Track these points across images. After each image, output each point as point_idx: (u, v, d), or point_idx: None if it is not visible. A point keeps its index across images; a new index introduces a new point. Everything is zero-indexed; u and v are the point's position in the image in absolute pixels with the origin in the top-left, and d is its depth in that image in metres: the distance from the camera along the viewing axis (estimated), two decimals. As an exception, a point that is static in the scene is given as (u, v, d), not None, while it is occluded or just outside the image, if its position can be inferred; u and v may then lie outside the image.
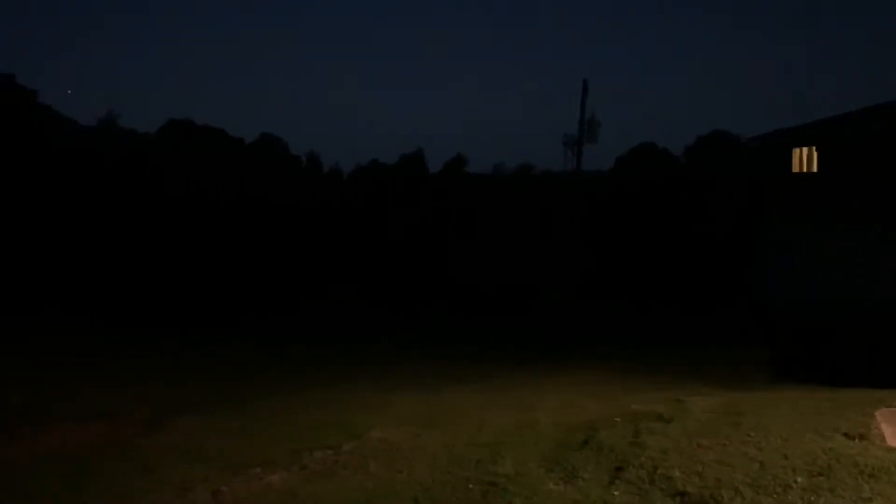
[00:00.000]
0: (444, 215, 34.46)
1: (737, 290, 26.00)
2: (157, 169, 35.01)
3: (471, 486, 7.00)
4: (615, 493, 6.40)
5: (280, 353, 18.45)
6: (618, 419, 9.59)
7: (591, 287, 31.27)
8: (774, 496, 5.95)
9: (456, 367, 15.93)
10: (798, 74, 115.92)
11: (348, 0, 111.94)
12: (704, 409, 9.83)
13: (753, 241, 22.91)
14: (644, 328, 24.19)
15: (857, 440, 7.45)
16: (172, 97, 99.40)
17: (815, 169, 18.27)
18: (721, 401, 10.72)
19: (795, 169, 18.77)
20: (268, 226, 34.35)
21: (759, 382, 14.07)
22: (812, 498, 5.85)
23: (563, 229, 33.29)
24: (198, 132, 40.21)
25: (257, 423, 10.43)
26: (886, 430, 7.97)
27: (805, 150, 18.53)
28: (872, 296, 15.95)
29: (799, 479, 6.23)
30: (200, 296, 27.40)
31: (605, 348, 20.50)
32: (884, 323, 15.59)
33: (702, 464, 6.85)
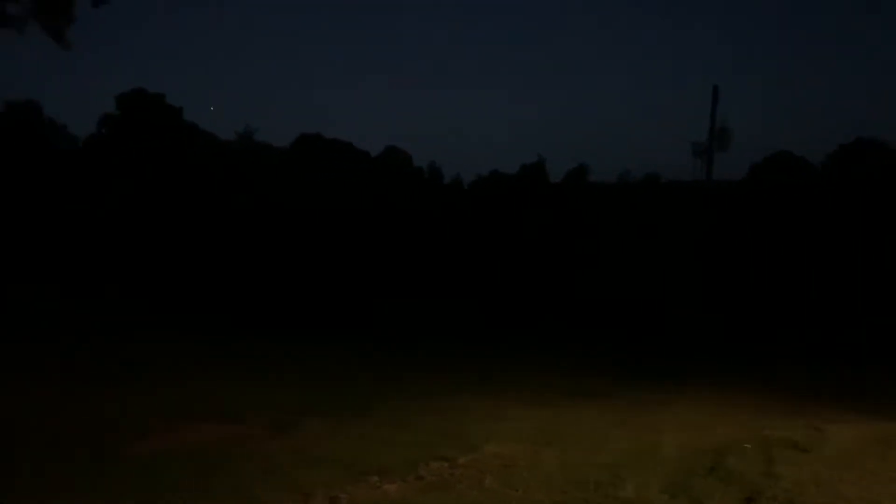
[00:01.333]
0: (565, 226, 34.00)
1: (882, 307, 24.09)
2: (290, 181, 36.58)
3: (589, 509, 6.77)
4: (744, 526, 6.01)
5: (402, 359, 18.70)
6: (748, 445, 9.03)
7: (720, 301, 29.86)
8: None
9: (574, 383, 15.56)
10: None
11: (469, 17, 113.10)
12: (847, 439, 9.10)
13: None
14: (777, 345, 22.82)
15: None
16: (304, 112, 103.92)
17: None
18: (866, 429, 9.90)
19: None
20: (390, 236, 35.12)
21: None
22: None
23: (691, 241, 32.03)
24: (327, 146, 41.67)
25: (377, 429, 10.57)
26: None
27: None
28: None
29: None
30: (328, 303, 28.31)
31: (734, 366, 19.49)
32: None
33: (844, 500, 6.30)
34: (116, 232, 31.74)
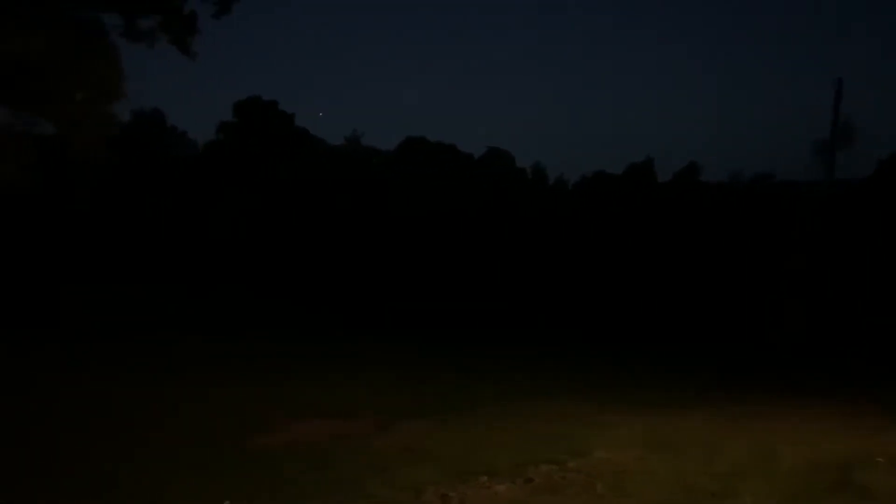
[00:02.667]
0: (674, 227, 33.05)
1: None
2: (396, 184, 37.31)
3: (705, 518, 6.55)
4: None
5: (501, 361, 18.67)
6: (880, 459, 8.50)
7: (845, 307, 28.22)
8: None
9: (682, 390, 15.07)
10: None
11: (570, 13, 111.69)
12: None
13: None
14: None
15: None
16: (409, 116, 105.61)
17: None
18: None
19: None
20: (492, 238, 35.18)
21: None
22: None
23: (808, 244, 30.45)
24: (431, 148, 42.23)
25: (482, 430, 10.60)
26: None
27: None
28: None
29: None
30: (432, 305, 28.65)
31: (859, 376, 18.36)
32: None
33: None
34: (233, 234, 33.27)
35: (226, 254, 32.42)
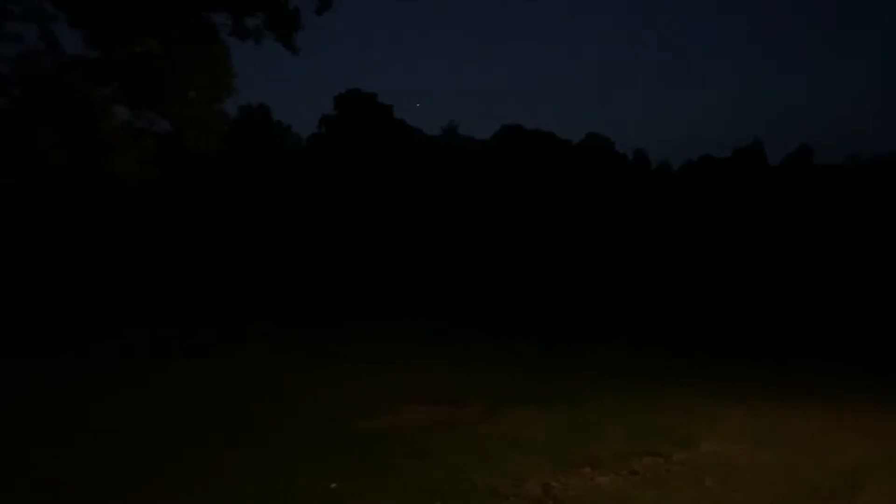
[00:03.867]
0: (787, 213, 31.57)
1: None
2: (491, 172, 37.30)
3: (823, 518, 6.27)
4: None
5: (604, 350, 18.41)
6: None
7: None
8: None
9: (792, 383, 14.40)
10: None
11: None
12: None
13: None
14: None
15: None
16: (507, 105, 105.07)
17: None
18: None
19: None
20: (590, 224, 34.62)
21: None
22: None
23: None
24: (528, 136, 41.95)
25: (585, 419, 10.48)
26: None
27: None
28: None
29: None
30: (533, 291, 28.55)
31: None
32: None
33: None
34: (337, 224, 34.18)
35: (331, 242, 33.38)
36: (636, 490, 7.32)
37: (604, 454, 8.51)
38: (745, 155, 36.49)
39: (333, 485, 7.16)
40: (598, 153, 41.02)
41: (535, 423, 10.13)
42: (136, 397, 11.35)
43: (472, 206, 35.11)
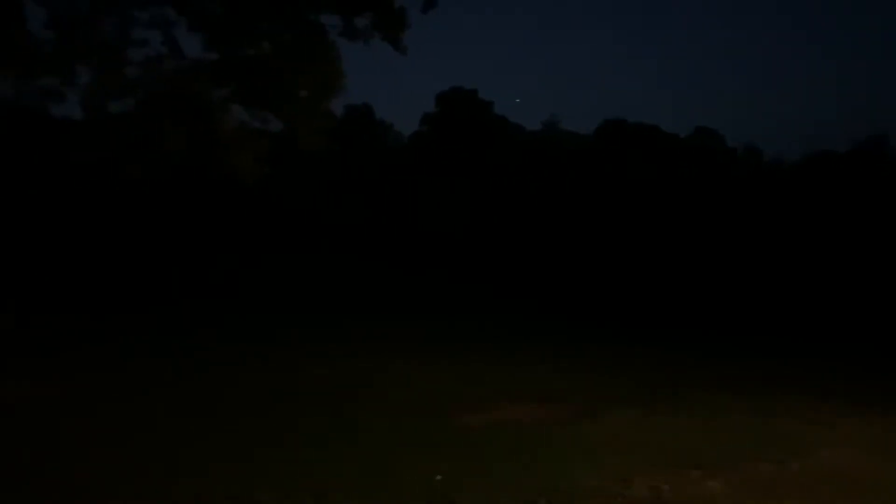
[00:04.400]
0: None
1: None
2: (593, 168, 36.72)
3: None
4: None
5: (709, 352, 17.84)
6: None
7: None
8: None
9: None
10: None
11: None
12: None
13: None
14: None
15: None
16: (609, 98, 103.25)
17: None
18: None
19: None
20: (697, 221, 33.54)
21: None
22: None
23: None
24: (631, 130, 41.04)
25: (690, 421, 10.21)
26: None
27: None
28: None
29: None
30: (635, 291, 27.97)
31: None
32: None
33: None
34: (439, 221, 34.55)
35: (433, 240, 33.78)
36: (750, 497, 7.05)
37: (713, 458, 8.24)
38: (866, 149, 34.43)
39: (438, 477, 7.25)
40: (706, 147, 39.67)
41: (640, 424, 9.95)
42: (257, 384, 11.88)
43: (573, 202, 34.69)
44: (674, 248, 32.51)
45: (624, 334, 20.64)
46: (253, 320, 20.01)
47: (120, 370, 12.88)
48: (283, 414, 9.99)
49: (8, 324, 11.72)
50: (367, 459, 7.86)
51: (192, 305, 21.89)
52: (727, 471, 7.83)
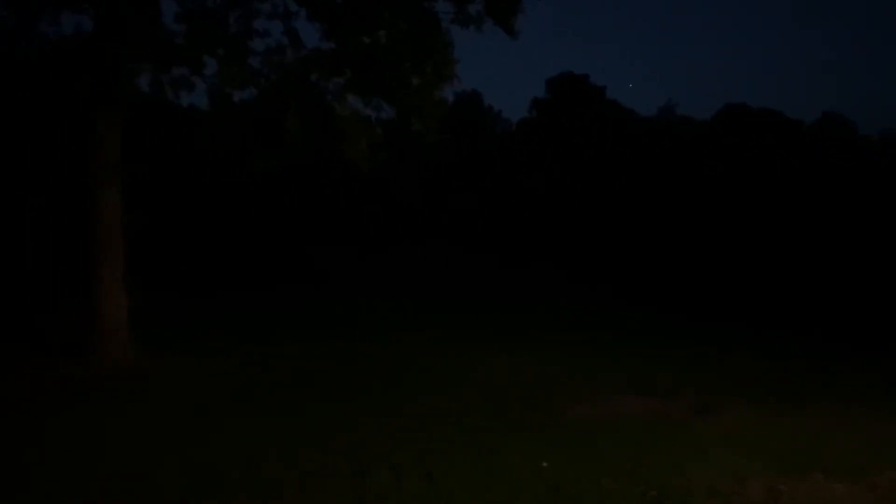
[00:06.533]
0: None
1: None
2: (712, 156, 35.38)
3: None
4: None
5: (831, 347, 16.85)
6: None
7: None
8: None
9: None
10: None
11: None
12: None
13: None
14: None
15: None
16: (730, 82, 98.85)
17: None
18: None
19: None
20: (821, 212, 31.75)
21: None
22: None
23: None
24: (753, 116, 39.22)
25: (811, 423, 9.69)
26: None
27: None
28: None
29: None
30: (751, 287, 26.84)
31: None
32: None
33: None
34: (545, 209, 34.31)
35: (538, 229, 33.59)
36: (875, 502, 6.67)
37: (836, 462, 7.82)
38: None
39: (544, 464, 7.25)
40: (835, 135, 37.36)
41: (754, 422, 9.56)
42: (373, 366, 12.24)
43: (689, 192, 33.55)
44: (795, 241, 30.92)
45: (735, 330, 19.80)
46: (355, 308, 20.49)
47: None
48: (393, 398, 10.23)
49: (134, 302, 12.58)
50: (476, 446, 7.94)
51: (300, 291, 22.66)
52: (853, 475, 7.41)
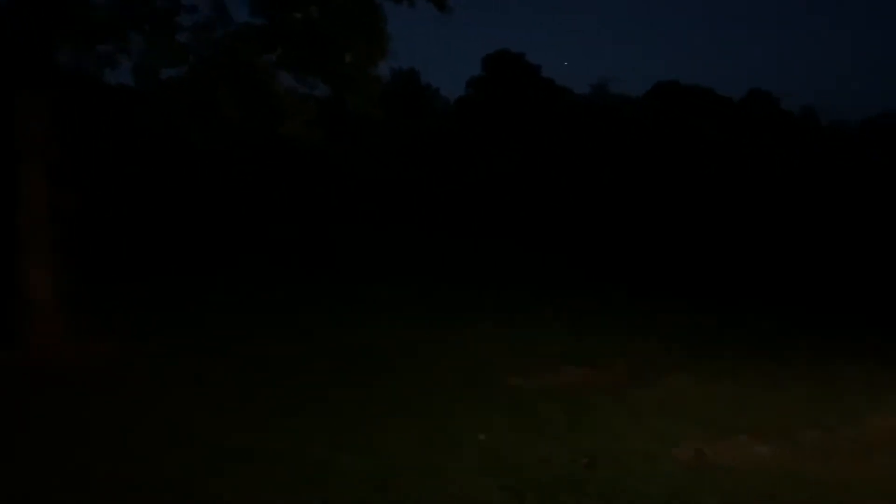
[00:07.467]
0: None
1: None
2: (645, 132, 36.08)
3: None
4: None
5: (766, 323, 17.51)
6: None
7: None
8: None
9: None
10: None
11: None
12: None
13: None
14: None
15: None
16: (661, 61, 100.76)
17: None
18: None
19: None
20: (750, 186, 32.79)
21: None
22: None
23: None
24: (684, 93, 40.09)
25: (742, 389, 10.13)
26: None
27: None
28: None
29: None
30: (684, 259, 27.60)
31: None
32: None
33: None
34: (487, 188, 34.50)
35: (480, 207, 33.75)
36: (797, 462, 7.01)
37: (762, 424, 8.20)
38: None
39: (482, 436, 7.38)
40: (761, 110, 38.51)
41: (688, 390, 9.91)
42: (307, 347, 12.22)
43: (621, 166, 34.19)
44: (727, 213, 31.90)
45: (672, 301, 20.36)
46: (300, 291, 20.26)
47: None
48: (322, 377, 10.21)
49: (68, 288, 12.16)
50: (417, 420, 8.02)
51: (243, 275, 22.30)
52: (776, 436, 7.78)
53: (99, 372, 10.50)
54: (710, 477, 6.44)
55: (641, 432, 7.71)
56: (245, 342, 12.61)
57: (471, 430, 7.50)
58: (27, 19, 11.35)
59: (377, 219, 31.18)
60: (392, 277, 22.28)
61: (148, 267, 20.84)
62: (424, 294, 19.50)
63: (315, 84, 13.39)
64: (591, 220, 32.71)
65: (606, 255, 28.81)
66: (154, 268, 20.87)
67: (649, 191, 33.21)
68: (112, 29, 11.87)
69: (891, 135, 32.39)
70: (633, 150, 35.06)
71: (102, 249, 20.74)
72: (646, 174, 33.82)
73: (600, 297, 20.30)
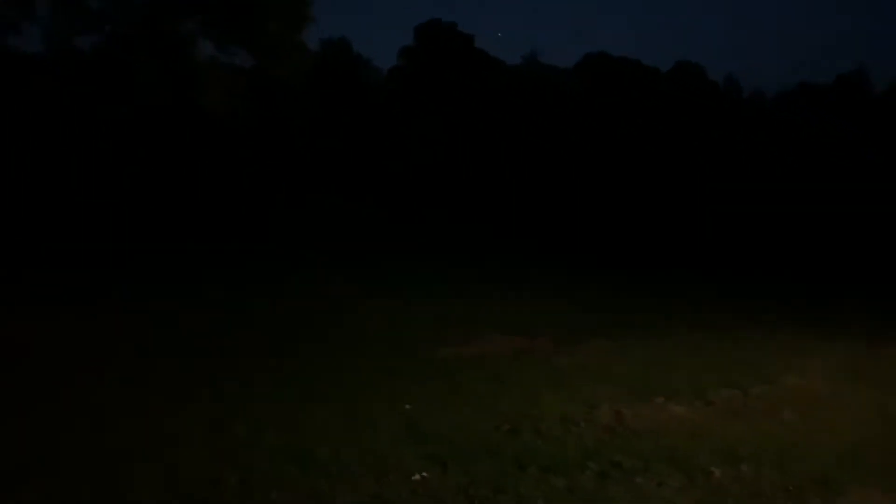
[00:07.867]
0: (892, 144, 29.70)
1: None
2: (574, 103, 36.42)
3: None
4: None
5: (704, 289, 18.04)
6: None
7: None
8: None
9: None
10: None
11: None
12: None
13: None
14: None
15: None
16: (590, 33, 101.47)
17: None
18: None
19: None
20: (678, 155, 33.53)
21: None
22: None
23: None
24: (613, 64, 40.56)
25: (662, 353, 10.44)
26: None
27: None
28: None
29: None
30: (613, 230, 28.12)
31: None
32: None
33: None
34: (421, 159, 34.31)
35: (415, 178, 33.59)
36: (710, 420, 7.27)
37: (679, 385, 8.46)
38: (847, 81, 34.23)
39: (407, 406, 7.41)
40: (687, 81, 39.30)
41: (610, 356, 10.16)
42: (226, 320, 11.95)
43: (554, 137, 34.48)
44: (655, 184, 32.58)
45: (601, 272, 20.82)
46: (227, 264, 19.88)
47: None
48: (259, 353, 10.10)
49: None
50: (341, 392, 8.00)
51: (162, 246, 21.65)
52: (691, 396, 8.05)
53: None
54: (625, 438, 6.62)
55: (563, 397, 7.86)
56: (166, 319, 12.34)
57: (398, 401, 7.52)
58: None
59: (304, 191, 30.71)
60: (322, 248, 22.09)
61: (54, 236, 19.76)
62: (355, 265, 19.43)
63: (237, 54, 13.09)
64: (523, 190, 32.97)
65: (537, 224, 29.16)
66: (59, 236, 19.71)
67: (579, 160, 33.63)
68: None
69: (807, 106, 33.54)
70: (564, 120, 35.36)
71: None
72: (576, 143, 34.20)
73: (529, 270, 20.59)
